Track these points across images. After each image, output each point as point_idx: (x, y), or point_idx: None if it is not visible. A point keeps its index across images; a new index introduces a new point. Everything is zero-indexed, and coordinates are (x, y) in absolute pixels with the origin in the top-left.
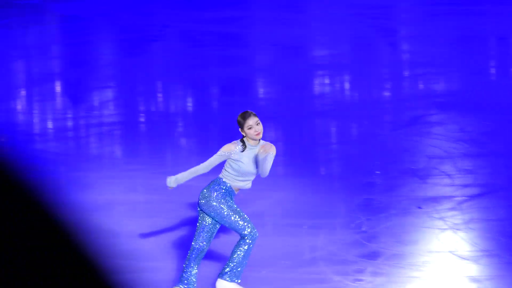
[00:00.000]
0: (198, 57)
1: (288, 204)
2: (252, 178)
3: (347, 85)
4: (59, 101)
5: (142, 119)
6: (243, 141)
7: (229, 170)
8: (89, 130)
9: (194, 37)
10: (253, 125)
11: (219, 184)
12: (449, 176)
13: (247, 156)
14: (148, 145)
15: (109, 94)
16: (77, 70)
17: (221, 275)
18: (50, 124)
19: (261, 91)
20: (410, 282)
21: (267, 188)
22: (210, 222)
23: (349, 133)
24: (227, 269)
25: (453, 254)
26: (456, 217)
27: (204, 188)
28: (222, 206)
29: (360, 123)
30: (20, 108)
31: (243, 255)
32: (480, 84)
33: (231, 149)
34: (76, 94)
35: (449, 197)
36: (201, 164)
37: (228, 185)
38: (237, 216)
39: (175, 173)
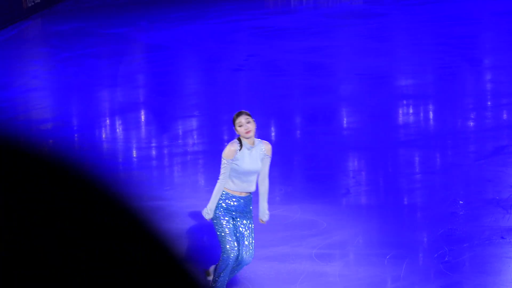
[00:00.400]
0: (283, 87)
1: (371, 234)
2: (253, 179)
3: (431, 115)
4: (143, 130)
5: None
6: (239, 140)
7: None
8: (173, 159)
9: (278, 67)
10: (243, 123)
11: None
12: None
13: (245, 155)
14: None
15: (193, 123)
16: (161, 99)
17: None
18: (134, 153)
19: (345, 121)
20: None
21: (350, 218)
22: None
23: (433, 163)
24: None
25: None
26: None
27: None
28: (215, 222)
29: (443, 153)
30: (104, 137)
31: (217, 268)
32: None
33: (231, 151)
34: (161, 123)
35: None
36: (218, 181)
37: (225, 193)
38: (222, 237)
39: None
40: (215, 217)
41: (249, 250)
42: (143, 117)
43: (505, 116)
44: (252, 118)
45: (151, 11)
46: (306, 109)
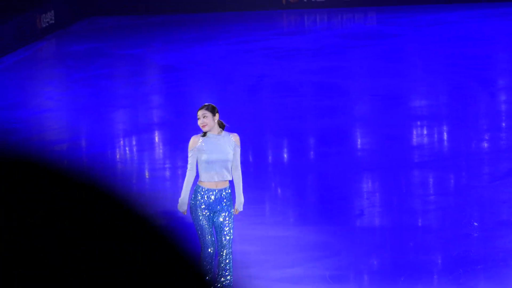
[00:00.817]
0: (295, 108)
1: (385, 255)
2: (225, 168)
3: (445, 136)
4: (158, 151)
5: None
6: (205, 133)
7: (198, 162)
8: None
9: (291, 87)
10: (200, 117)
11: (192, 192)
12: None
13: (211, 145)
14: (245, 196)
15: None
16: (175, 119)
17: None
18: (147, 174)
19: (358, 142)
20: None
21: (364, 239)
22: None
23: (447, 184)
24: None
25: None
26: None
27: None
28: (193, 217)
29: (457, 174)
30: (118, 157)
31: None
32: None
33: (193, 142)
34: (175, 144)
35: None
36: (187, 172)
37: (201, 188)
38: (199, 233)
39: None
40: (193, 213)
41: (227, 247)
42: (157, 138)
43: None
44: (215, 111)
45: (164, 32)
46: (319, 130)
